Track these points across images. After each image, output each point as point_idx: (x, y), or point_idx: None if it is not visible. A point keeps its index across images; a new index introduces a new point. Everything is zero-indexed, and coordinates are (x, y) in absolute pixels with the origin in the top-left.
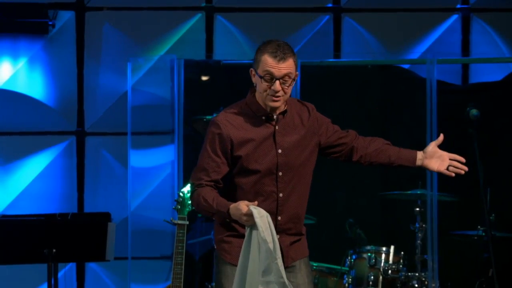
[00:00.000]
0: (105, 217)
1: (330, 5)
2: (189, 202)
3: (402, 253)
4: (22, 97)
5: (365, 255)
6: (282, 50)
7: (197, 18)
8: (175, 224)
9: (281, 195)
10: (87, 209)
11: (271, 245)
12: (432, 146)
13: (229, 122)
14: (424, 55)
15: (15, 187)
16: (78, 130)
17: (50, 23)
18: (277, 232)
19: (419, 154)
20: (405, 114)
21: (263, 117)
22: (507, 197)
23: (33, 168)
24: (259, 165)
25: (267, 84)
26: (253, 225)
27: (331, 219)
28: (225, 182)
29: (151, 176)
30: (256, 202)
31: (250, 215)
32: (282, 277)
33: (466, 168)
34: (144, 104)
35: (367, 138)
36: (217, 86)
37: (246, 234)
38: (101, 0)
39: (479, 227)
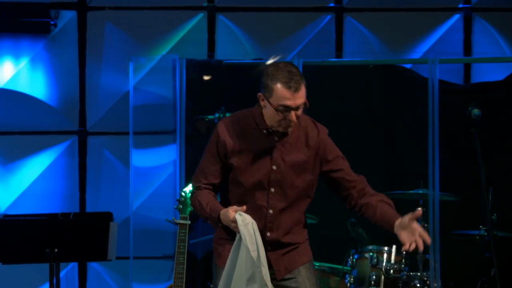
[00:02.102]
0: (107, 217)
1: (332, 4)
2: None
3: (404, 252)
4: (24, 97)
5: (367, 255)
6: (295, 79)
7: (199, 17)
8: (177, 223)
9: (271, 211)
10: (89, 208)
11: (254, 254)
12: (408, 218)
13: (230, 129)
14: (426, 54)
15: (17, 186)
16: (80, 130)
17: (52, 22)
18: (265, 246)
19: (397, 221)
20: (407, 113)
21: (264, 131)
22: (509, 197)
23: (35, 167)
24: (250, 178)
25: (282, 115)
26: None
27: (333, 218)
28: (223, 187)
29: (153, 176)
30: (244, 207)
31: (237, 220)
32: (266, 286)
33: (422, 249)
34: (146, 103)
35: (371, 191)
36: (219, 86)
37: (236, 239)
38: (103, 0)
39: (481, 226)
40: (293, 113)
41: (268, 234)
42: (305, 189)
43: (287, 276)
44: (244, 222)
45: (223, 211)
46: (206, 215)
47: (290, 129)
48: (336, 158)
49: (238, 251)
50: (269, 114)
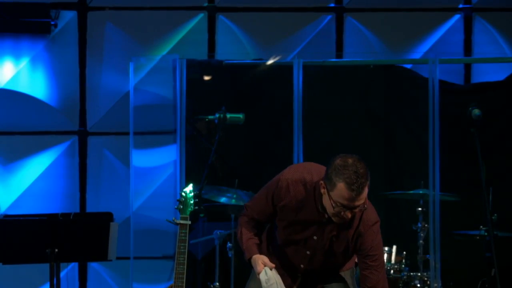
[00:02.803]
0: (107, 217)
1: (332, 4)
2: (191, 202)
3: (405, 253)
4: (24, 97)
5: None
6: (359, 182)
7: (199, 18)
8: (177, 224)
9: (302, 266)
10: (89, 209)
11: None
12: None
13: (292, 188)
14: (426, 54)
15: (17, 187)
16: (80, 130)
17: (53, 23)
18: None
19: None
20: (407, 113)
21: (319, 207)
22: (509, 197)
23: (35, 168)
24: (290, 235)
25: (338, 210)
26: None
27: None
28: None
29: (153, 176)
30: (273, 266)
31: (261, 279)
32: None
33: None
34: (146, 104)
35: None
36: (219, 86)
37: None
38: (103, 0)
39: (481, 227)
40: (348, 212)
41: (302, 266)
42: (337, 262)
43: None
44: (268, 283)
45: (255, 257)
46: (242, 247)
47: (342, 222)
48: (367, 254)
49: None
50: (327, 204)
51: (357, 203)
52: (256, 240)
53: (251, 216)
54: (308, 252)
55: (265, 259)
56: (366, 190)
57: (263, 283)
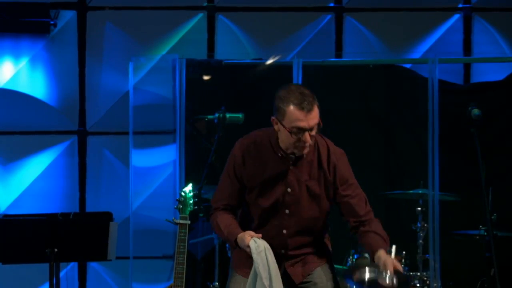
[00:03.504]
0: (107, 217)
1: (332, 4)
2: (191, 201)
3: (404, 252)
4: (24, 97)
5: (367, 255)
6: (307, 100)
7: (199, 17)
8: (176, 223)
9: (285, 231)
10: (89, 208)
11: (266, 282)
12: (381, 253)
13: (246, 151)
14: (426, 54)
15: (17, 186)
16: (80, 130)
17: (52, 22)
18: (281, 260)
19: (379, 252)
20: (406, 113)
21: (279, 154)
22: (508, 197)
23: (35, 167)
24: (266, 200)
25: (296, 137)
26: None
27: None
28: (243, 205)
29: (153, 176)
30: (260, 235)
31: (251, 248)
32: None
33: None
34: (146, 103)
35: (372, 227)
36: (219, 86)
37: (252, 267)
38: (103, 0)
39: (480, 226)
40: (307, 134)
41: (283, 251)
42: (319, 214)
43: (305, 280)
44: (258, 249)
45: (240, 236)
46: (224, 237)
47: (305, 151)
48: (345, 183)
49: (254, 278)
50: (284, 137)
51: (311, 122)
52: (235, 223)
53: (221, 208)
54: (287, 211)
55: (251, 232)
56: (316, 109)
57: (254, 252)
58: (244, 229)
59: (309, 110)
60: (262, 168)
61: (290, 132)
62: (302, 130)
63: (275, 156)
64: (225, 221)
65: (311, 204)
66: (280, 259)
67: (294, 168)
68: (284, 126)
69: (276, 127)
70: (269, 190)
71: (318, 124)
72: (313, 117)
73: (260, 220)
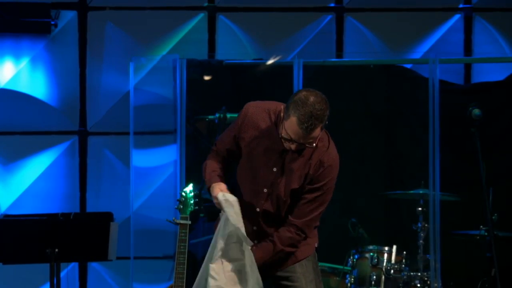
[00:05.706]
0: (108, 217)
1: (332, 4)
2: (192, 202)
3: (405, 252)
4: (24, 97)
5: (367, 255)
6: (312, 123)
7: (200, 17)
8: (177, 223)
9: (258, 209)
10: (90, 208)
11: (231, 218)
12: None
13: (254, 117)
14: (427, 54)
15: (17, 186)
16: (81, 130)
17: (53, 22)
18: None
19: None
20: (407, 113)
21: (279, 134)
22: (509, 197)
23: (36, 167)
24: (249, 172)
25: (284, 141)
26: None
27: (333, 218)
28: (235, 165)
29: (154, 176)
30: (228, 192)
31: (218, 199)
32: (245, 238)
33: None
34: (147, 103)
35: (294, 228)
36: (220, 86)
37: (221, 216)
38: (103, 0)
39: (481, 226)
40: (294, 145)
41: (254, 228)
42: (292, 203)
43: (281, 274)
44: (227, 202)
45: (213, 185)
46: (204, 178)
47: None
48: (314, 186)
49: (223, 229)
50: (280, 127)
51: (303, 141)
52: (219, 172)
53: (219, 151)
54: (265, 190)
55: (223, 187)
56: (317, 131)
57: (222, 204)
58: (232, 189)
59: (307, 133)
60: (259, 140)
61: (281, 137)
62: (291, 141)
63: (275, 133)
64: (212, 165)
65: (287, 191)
66: (252, 237)
67: (287, 152)
68: (283, 124)
69: (282, 115)
70: (255, 164)
71: (312, 142)
72: (309, 138)
73: (242, 190)
